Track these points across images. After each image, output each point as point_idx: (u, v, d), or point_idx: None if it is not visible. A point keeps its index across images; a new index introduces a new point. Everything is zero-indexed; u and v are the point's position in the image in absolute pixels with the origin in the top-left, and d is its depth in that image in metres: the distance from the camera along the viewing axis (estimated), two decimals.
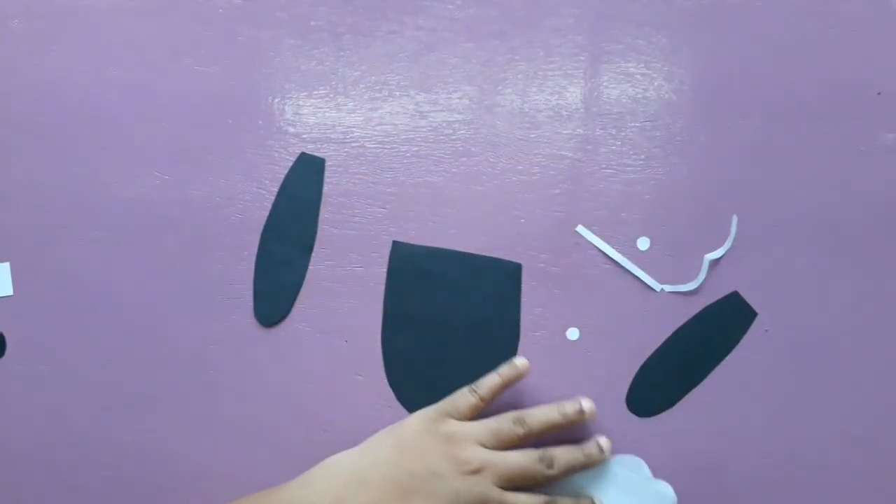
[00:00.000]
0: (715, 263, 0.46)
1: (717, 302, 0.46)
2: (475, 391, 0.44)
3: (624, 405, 0.46)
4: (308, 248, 0.47)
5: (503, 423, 0.44)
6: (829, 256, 0.46)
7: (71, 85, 0.49)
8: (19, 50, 0.50)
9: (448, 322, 0.47)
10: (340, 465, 0.43)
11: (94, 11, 0.50)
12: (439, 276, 0.47)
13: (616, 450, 0.45)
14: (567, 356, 0.46)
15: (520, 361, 0.45)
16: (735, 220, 0.45)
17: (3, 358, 0.48)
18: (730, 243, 0.45)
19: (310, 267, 0.48)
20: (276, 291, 0.47)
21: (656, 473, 0.45)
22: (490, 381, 0.45)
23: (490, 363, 0.45)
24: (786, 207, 0.47)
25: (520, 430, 0.43)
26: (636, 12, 0.48)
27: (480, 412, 0.44)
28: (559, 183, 0.47)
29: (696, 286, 0.46)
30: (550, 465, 0.43)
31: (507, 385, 0.45)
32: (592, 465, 0.44)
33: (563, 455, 0.43)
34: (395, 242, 0.47)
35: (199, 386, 0.47)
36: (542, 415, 0.44)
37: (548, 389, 0.46)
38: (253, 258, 0.48)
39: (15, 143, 0.49)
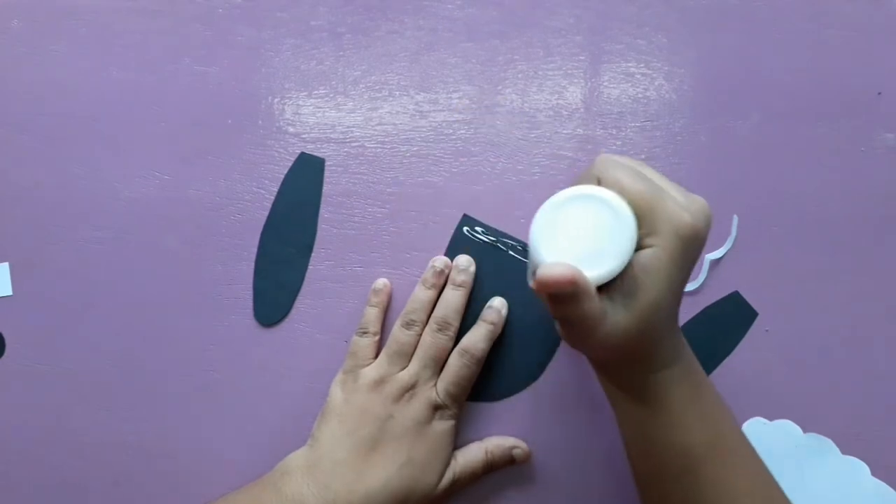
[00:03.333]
0: (715, 263, 0.46)
1: (717, 302, 0.46)
2: (364, 332, 0.45)
3: None
4: (308, 248, 0.47)
5: (396, 334, 0.45)
6: (829, 256, 0.46)
7: (71, 85, 0.49)
8: (19, 50, 0.50)
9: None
10: (301, 462, 0.43)
11: (94, 11, 0.50)
12: (495, 265, 0.47)
13: (617, 451, 0.45)
14: (567, 356, 0.46)
15: (379, 283, 0.46)
16: (735, 220, 0.45)
17: (3, 358, 0.48)
18: (730, 243, 0.45)
19: (310, 267, 0.48)
20: (275, 291, 0.47)
21: None
22: (370, 315, 0.46)
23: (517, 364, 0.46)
24: (786, 207, 0.47)
25: (410, 330, 0.44)
26: (636, 12, 0.48)
27: (380, 346, 0.46)
28: (559, 183, 0.47)
29: (696, 286, 0.46)
30: (464, 353, 0.44)
31: (384, 309, 0.46)
32: (499, 331, 0.45)
33: (476, 340, 0.44)
34: (465, 216, 0.47)
35: (199, 386, 0.47)
36: (416, 303, 0.45)
37: (548, 389, 0.46)
38: (253, 258, 0.48)
39: (15, 143, 0.49)
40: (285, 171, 0.48)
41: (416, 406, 0.43)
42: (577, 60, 0.48)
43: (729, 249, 0.45)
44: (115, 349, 0.48)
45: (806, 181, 0.47)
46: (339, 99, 0.49)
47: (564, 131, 0.48)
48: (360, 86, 0.49)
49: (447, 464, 0.44)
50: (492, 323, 0.45)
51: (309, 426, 0.45)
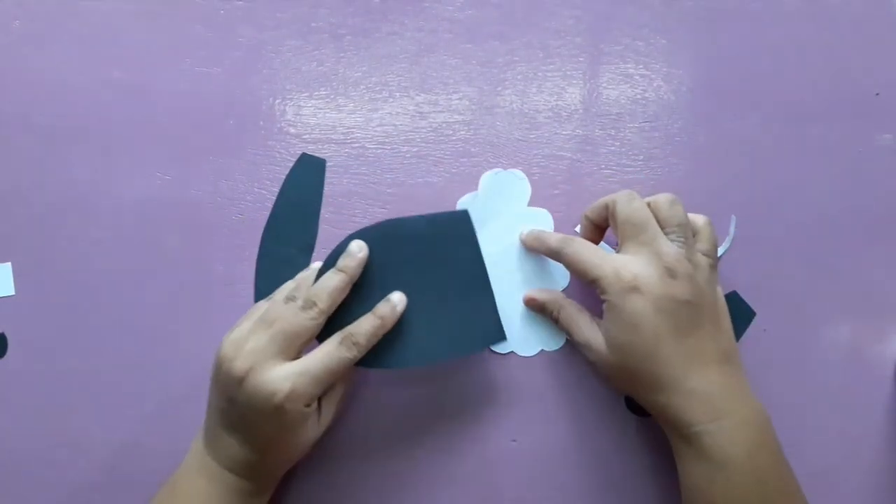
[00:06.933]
0: None
1: None
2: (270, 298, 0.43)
3: (624, 405, 0.46)
4: (309, 248, 0.48)
5: (275, 303, 0.41)
6: (827, 256, 0.47)
7: (72, 85, 0.49)
8: (21, 50, 0.50)
9: (421, 285, 0.44)
10: (202, 430, 0.43)
11: (95, 12, 0.50)
12: (397, 245, 0.44)
13: (616, 450, 0.45)
14: (567, 356, 0.46)
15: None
16: (734, 220, 0.45)
17: (4, 358, 0.48)
18: (729, 243, 0.45)
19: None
20: None
21: (657, 474, 0.45)
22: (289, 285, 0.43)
23: (470, 309, 0.44)
24: (784, 208, 0.47)
25: (287, 304, 0.41)
26: (635, 14, 0.49)
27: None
28: (559, 183, 0.48)
29: None
30: (352, 345, 0.41)
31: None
32: (389, 326, 0.42)
33: (364, 328, 0.41)
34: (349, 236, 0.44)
35: (199, 386, 0.47)
36: (303, 279, 0.43)
37: (547, 390, 0.46)
38: (254, 258, 0.48)
39: (16, 143, 0.49)
40: (286, 172, 0.48)
41: (250, 394, 0.39)
42: (577, 62, 0.49)
43: (727, 249, 0.45)
44: (116, 349, 0.48)
45: (804, 181, 0.47)
46: (340, 100, 0.49)
47: (564, 132, 0.48)
48: (361, 87, 0.49)
49: (309, 440, 0.42)
50: (381, 317, 0.42)
51: None
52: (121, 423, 0.47)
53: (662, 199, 0.41)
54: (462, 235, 0.44)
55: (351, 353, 0.40)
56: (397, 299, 0.42)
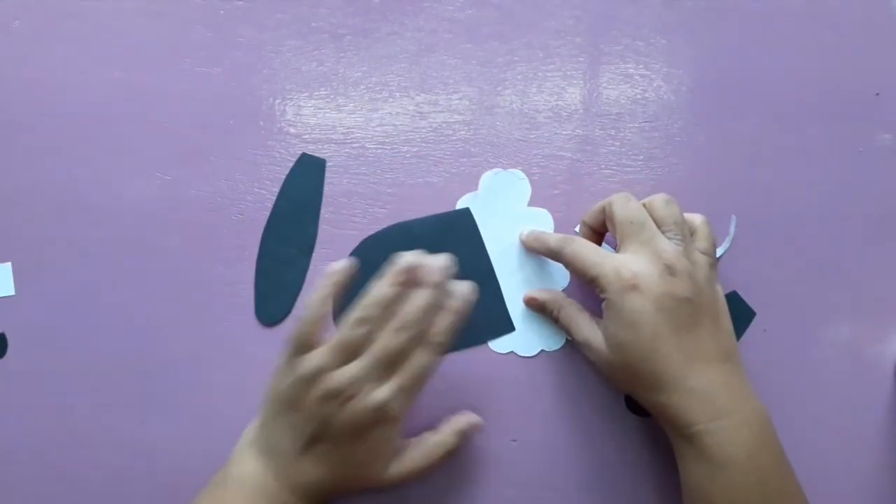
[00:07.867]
0: None
1: None
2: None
3: (624, 405, 0.46)
4: (309, 248, 0.48)
5: (343, 329, 0.40)
6: (827, 256, 0.47)
7: (72, 85, 0.49)
8: (21, 50, 0.50)
9: None
10: (255, 445, 0.42)
11: (95, 12, 0.50)
12: (406, 246, 0.43)
13: (616, 450, 0.45)
14: (567, 356, 0.46)
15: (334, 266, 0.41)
16: (734, 220, 0.45)
17: (5, 357, 0.48)
18: (728, 243, 0.45)
19: (311, 267, 0.48)
20: (277, 291, 0.47)
21: (657, 474, 0.45)
22: (310, 301, 0.42)
23: (479, 301, 0.44)
24: (784, 208, 0.47)
25: (361, 328, 0.40)
26: (635, 14, 0.49)
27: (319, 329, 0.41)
28: (559, 183, 0.48)
29: None
30: (429, 342, 0.40)
31: (325, 294, 0.41)
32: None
33: (441, 328, 0.40)
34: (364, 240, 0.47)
35: (199, 386, 0.47)
36: (371, 298, 0.40)
37: (547, 389, 0.46)
38: (254, 258, 0.48)
39: (16, 144, 0.49)
40: (286, 172, 0.48)
41: (355, 412, 0.39)
42: (577, 62, 0.49)
43: (727, 249, 0.45)
44: (116, 349, 0.48)
45: (804, 182, 0.47)
46: (340, 100, 0.49)
47: (564, 132, 0.48)
48: (361, 87, 0.49)
49: (390, 457, 0.41)
50: (457, 312, 0.41)
51: None
52: (121, 423, 0.47)
53: (658, 199, 0.42)
54: (466, 232, 0.47)
55: (433, 363, 0.40)
56: (467, 290, 0.41)
